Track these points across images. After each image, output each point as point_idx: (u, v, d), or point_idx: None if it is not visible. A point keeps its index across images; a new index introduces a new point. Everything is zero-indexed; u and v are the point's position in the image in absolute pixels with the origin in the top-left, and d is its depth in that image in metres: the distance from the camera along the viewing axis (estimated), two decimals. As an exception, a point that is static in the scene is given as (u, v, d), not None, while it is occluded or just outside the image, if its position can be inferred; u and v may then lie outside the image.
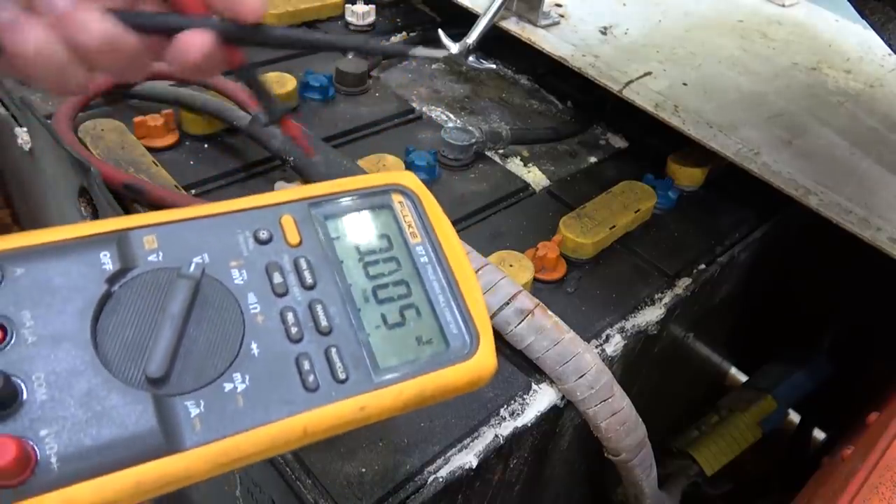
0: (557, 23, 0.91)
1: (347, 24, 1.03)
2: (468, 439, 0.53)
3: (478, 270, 0.57)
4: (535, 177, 0.82)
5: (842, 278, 1.08)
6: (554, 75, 0.99)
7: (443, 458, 0.52)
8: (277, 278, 0.31)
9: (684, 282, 0.71)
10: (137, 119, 0.73)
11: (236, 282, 0.30)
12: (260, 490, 0.55)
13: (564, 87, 0.98)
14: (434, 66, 1.01)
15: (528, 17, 0.90)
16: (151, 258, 0.29)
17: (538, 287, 0.66)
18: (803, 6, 1.09)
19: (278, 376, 0.29)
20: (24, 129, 0.76)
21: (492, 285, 0.56)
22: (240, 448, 0.27)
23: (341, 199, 0.34)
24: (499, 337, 0.57)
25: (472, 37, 0.88)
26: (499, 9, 0.87)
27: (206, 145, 0.76)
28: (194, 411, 0.27)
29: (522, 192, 0.79)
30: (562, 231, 0.69)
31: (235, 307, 0.29)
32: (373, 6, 1.04)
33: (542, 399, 0.57)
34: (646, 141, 0.90)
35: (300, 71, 0.86)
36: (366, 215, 0.34)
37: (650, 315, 0.67)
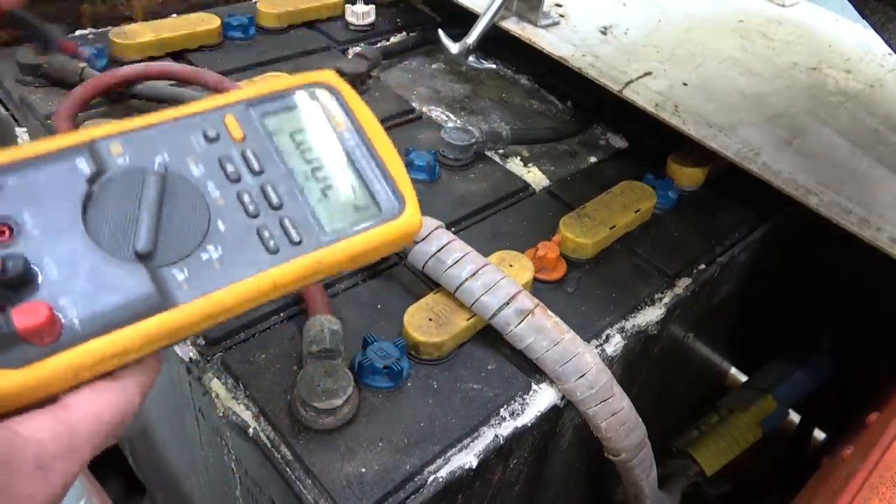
0: (557, 23, 0.91)
1: (348, 24, 1.03)
2: (468, 439, 0.53)
3: (478, 270, 0.57)
4: (535, 177, 0.82)
5: (842, 278, 1.08)
6: (554, 75, 0.99)
7: (443, 458, 0.52)
8: (230, 168, 0.36)
9: (684, 282, 0.71)
10: (137, 119, 0.73)
11: (195, 174, 0.35)
12: (260, 490, 0.55)
13: (564, 87, 0.98)
14: (434, 66, 1.01)
15: (528, 17, 0.90)
16: (119, 161, 0.34)
17: (538, 287, 0.66)
18: (803, 6, 1.09)
19: (244, 244, 0.34)
20: (24, 129, 0.76)
21: (492, 285, 0.56)
22: (223, 301, 0.33)
23: (275, 99, 0.39)
24: (499, 337, 0.57)
25: (472, 37, 0.88)
26: (499, 9, 0.87)
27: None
28: (180, 276, 0.33)
29: (522, 192, 0.79)
30: (562, 231, 0.69)
31: (199, 194, 0.35)
32: (373, 6, 1.04)
33: (542, 399, 0.57)
34: (646, 141, 0.90)
35: (300, 71, 0.86)
36: (296, 110, 0.40)
37: (650, 315, 0.67)
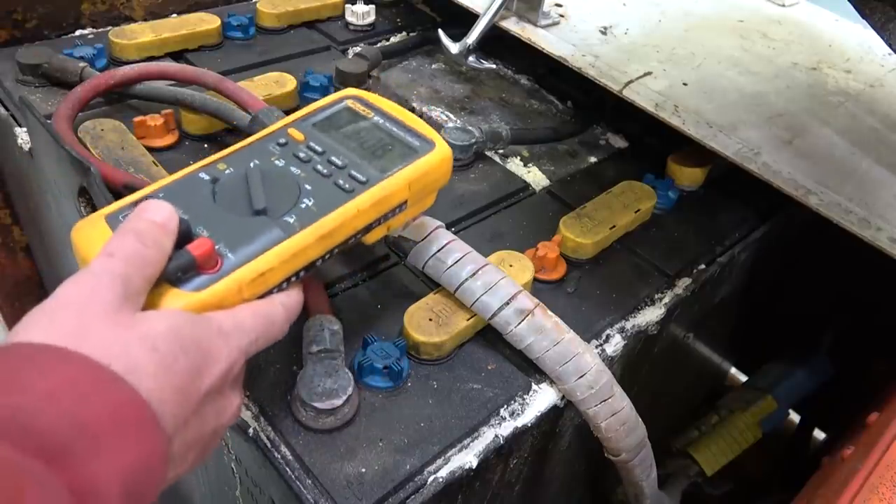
0: (557, 23, 0.91)
1: (347, 24, 1.03)
2: (468, 439, 0.53)
3: (478, 270, 0.57)
4: (535, 177, 0.82)
5: (842, 278, 1.08)
6: (554, 75, 0.99)
7: (443, 458, 0.52)
8: (302, 155, 0.51)
9: (684, 282, 0.71)
10: (137, 119, 0.73)
11: (279, 164, 0.50)
12: (260, 490, 0.55)
13: (564, 87, 0.98)
14: (434, 66, 1.01)
15: (528, 17, 0.90)
16: (226, 171, 0.49)
17: (538, 287, 0.66)
18: (803, 6, 1.09)
19: (327, 192, 0.48)
20: (24, 129, 0.76)
21: (492, 285, 0.56)
22: (323, 227, 0.47)
23: (318, 112, 0.55)
24: (499, 337, 0.57)
25: (472, 37, 0.88)
26: (499, 9, 0.87)
27: (205, 145, 0.76)
28: (291, 219, 0.46)
29: (522, 192, 0.79)
30: (562, 231, 0.69)
31: (286, 173, 0.49)
32: (373, 6, 1.04)
33: (542, 399, 0.57)
34: (646, 141, 0.90)
35: (300, 71, 0.86)
36: (336, 114, 0.55)
37: (650, 315, 0.67)
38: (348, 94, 0.57)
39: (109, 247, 0.39)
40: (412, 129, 0.54)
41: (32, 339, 0.33)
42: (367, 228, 0.51)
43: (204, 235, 0.44)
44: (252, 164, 0.49)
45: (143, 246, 0.39)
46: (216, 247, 0.43)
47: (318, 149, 0.51)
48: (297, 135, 0.52)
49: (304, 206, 0.47)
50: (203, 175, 0.48)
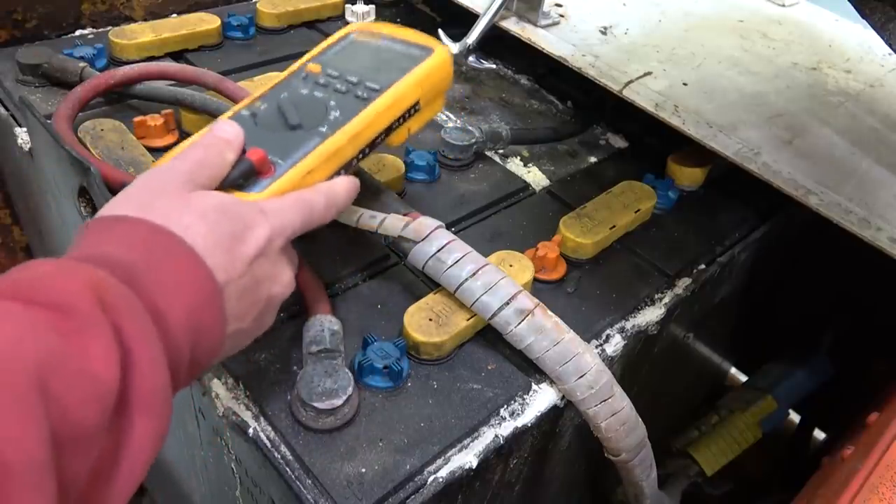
0: (557, 23, 0.91)
1: (347, 24, 1.03)
2: (468, 439, 0.53)
3: (478, 270, 0.57)
4: (535, 177, 0.82)
5: (842, 278, 1.08)
6: (554, 75, 0.99)
7: (443, 458, 0.52)
8: (322, 80, 0.59)
9: (684, 282, 0.71)
10: (137, 119, 0.73)
11: (305, 92, 0.58)
12: (260, 490, 0.55)
13: (564, 87, 0.98)
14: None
15: (528, 16, 0.90)
16: (262, 107, 0.57)
17: (538, 287, 0.66)
18: (803, 6, 1.09)
19: (349, 103, 0.57)
20: (24, 129, 0.76)
21: (492, 285, 0.56)
22: (355, 128, 0.55)
23: (330, 47, 0.63)
24: (499, 337, 0.57)
25: (472, 37, 0.88)
26: (499, 9, 0.87)
27: (206, 145, 0.76)
28: (323, 128, 0.54)
29: (522, 192, 0.79)
30: (562, 231, 0.69)
31: (312, 96, 0.58)
32: (373, 6, 1.04)
33: (542, 399, 0.57)
34: (646, 141, 0.90)
35: (300, 71, 0.86)
36: (346, 46, 0.63)
37: (650, 315, 0.67)
38: (354, 28, 0.65)
39: (182, 152, 0.48)
40: (412, 42, 0.62)
41: (113, 212, 0.43)
42: (390, 129, 0.59)
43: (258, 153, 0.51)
44: (282, 96, 0.57)
45: (208, 154, 0.48)
46: (269, 156, 0.51)
47: (335, 73, 0.59)
48: (314, 68, 0.60)
49: (332, 117, 0.56)
50: (244, 112, 0.56)
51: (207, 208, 0.44)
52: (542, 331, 0.55)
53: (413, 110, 0.60)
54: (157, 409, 0.35)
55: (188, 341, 0.39)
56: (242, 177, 0.49)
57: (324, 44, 0.63)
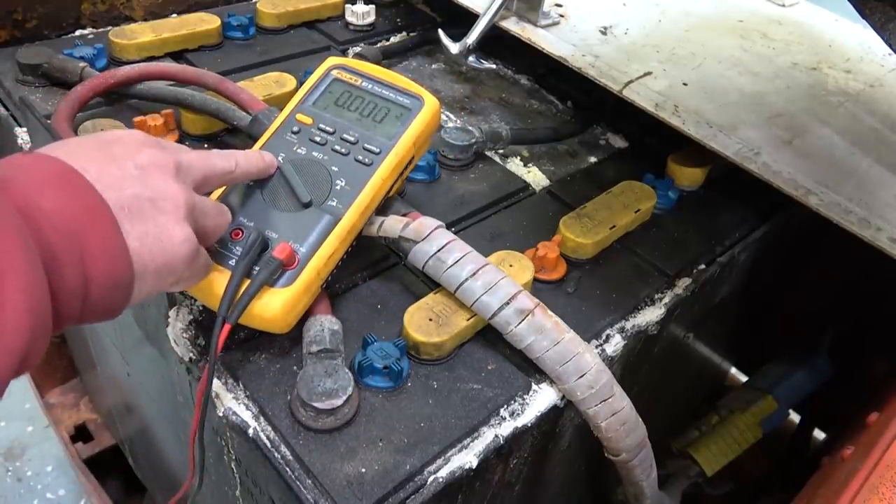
0: (557, 23, 0.91)
1: (347, 24, 1.03)
2: (468, 439, 0.53)
3: (478, 270, 0.57)
4: (535, 177, 0.82)
5: (842, 278, 1.08)
6: (554, 75, 0.99)
7: (443, 458, 0.52)
8: (318, 138, 0.60)
9: (684, 282, 0.71)
10: (137, 119, 0.73)
11: (303, 153, 0.59)
12: (260, 490, 0.55)
13: (564, 87, 0.98)
14: (434, 66, 1.01)
15: (528, 17, 0.90)
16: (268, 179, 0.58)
17: (538, 287, 0.66)
18: (803, 6, 1.09)
19: (352, 170, 0.58)
20: (24, 129, 0.76)
21: (492, 285, 0.56)
22: (363, 202, 0.57)
23: (313, 91, 0.63)
24: (499, 337, 0.57)
25: (472, 37, 0.88)
26: (499, 9, 0.87)
27: (205, 145, 0.76)
28: (333, 202, 0.56)
29: (522, 192, 0.79)
30: (562, 231, 0.69)
31: (313, 160, 0.59)
32: (373, 6, 1.04)
33: (542, 399, 0.57)
34: (646, 141, 0.90)
35: (300, 71, 0.86)
36: (329, 89, 0.63)
37: (650, 315, 0.67)
38: (332, 65, 0.65)
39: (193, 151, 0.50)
40: (399, 87, 0.63)
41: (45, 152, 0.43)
42: (391, 188, 0.61)
43: (273, 237, 0.54)
44: (280, 158, 0.58)
45: (216, 165, 0.51)
46: (291, 244, 0.53)
47: (329, 129, 0.60)
48: (305, 119, 0.61)
49: (338, 187, 0.57)
50: (251, 183, 0.57)
51: (119, 156, 0.44)
52: (542, 331, 0.55)
53: (409, 164, 0.62)
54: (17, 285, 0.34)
55: (68, 232, 0.38)
56: (272, 274, 0.52)
57: (306, 85, 0.63)
